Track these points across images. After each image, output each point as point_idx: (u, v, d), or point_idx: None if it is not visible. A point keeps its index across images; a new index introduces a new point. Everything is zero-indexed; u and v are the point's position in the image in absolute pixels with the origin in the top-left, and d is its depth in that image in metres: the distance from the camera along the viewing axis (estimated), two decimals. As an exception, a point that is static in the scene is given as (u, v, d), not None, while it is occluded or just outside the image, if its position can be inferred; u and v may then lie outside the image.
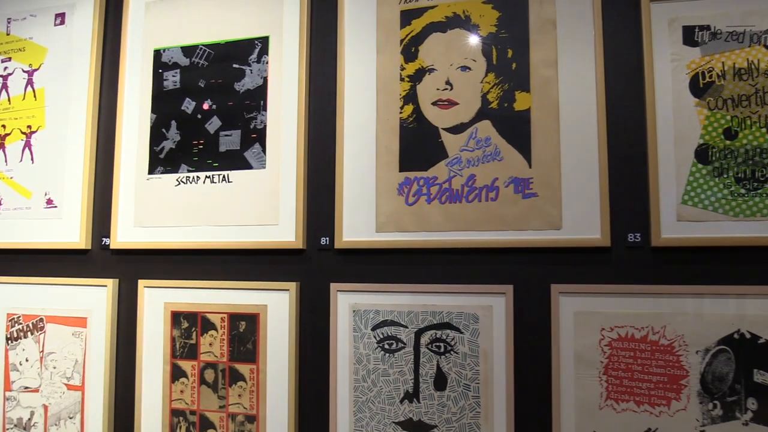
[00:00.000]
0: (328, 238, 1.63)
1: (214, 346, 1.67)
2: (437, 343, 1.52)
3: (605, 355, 1.42)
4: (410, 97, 1.60)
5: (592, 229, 1.45)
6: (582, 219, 1.46)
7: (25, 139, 1.93)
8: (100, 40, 1.89)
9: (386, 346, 1.56)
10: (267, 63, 1.71)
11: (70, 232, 1.84)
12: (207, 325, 1.68)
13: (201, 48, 1.77)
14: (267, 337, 1.63)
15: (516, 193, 1.51)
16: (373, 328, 1.57)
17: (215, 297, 1.69)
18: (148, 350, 1.73)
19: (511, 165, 1.52)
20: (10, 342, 1.88)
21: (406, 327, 1.55)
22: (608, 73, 1.48)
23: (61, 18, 1.94)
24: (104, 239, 1.82)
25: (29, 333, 1.86)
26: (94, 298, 1.80)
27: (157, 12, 1.83)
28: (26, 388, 1.85)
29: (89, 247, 1.83)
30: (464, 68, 1.57)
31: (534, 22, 1.54)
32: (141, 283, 1.75)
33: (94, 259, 1.84)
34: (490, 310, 1.50)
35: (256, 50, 1.72)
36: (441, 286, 1.53)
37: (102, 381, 1.76)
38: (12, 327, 1.88)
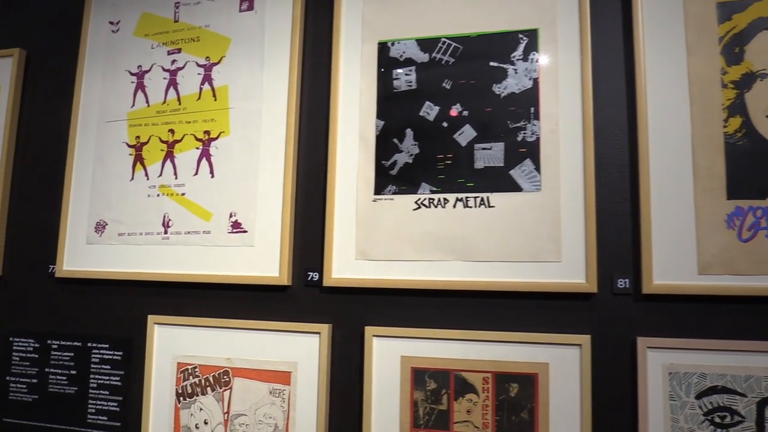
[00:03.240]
0: (627, 280, 1.30)
1: (473, 414, 1.32)
2: (788, 418, 1.20)
3: None
4: (737, 108, 1.29)
5: None
6: None
7: (201, 147, 1.57)
8: (301, 30, 1.55)
9: (717, 420, 1.23)
10: (537, 62, 1.39)
11: (266, 263, 1.48)
12: (463, 387, 1.33)
13: (444, 41, 1.45)
14: (549, 404, 1.29)
15: None
16: (698, 396, 1.24)
17: (474, 351, 1.34)
18: (378, 416, 1.37)
19: None
20: (182, 399, 1.50)
21: (744, 396, 1.22)
22: None
23: (248, 2, 1.60)
24: (310, 273, 1.47)
25: (209, 389, 1.48)
26: (300, 348, 1.43)
27: (383, -3, 1.50)
28: (205, 459, 1.47)
29: (290, 283, 1.47)
30: (807, 74, 1.27)
31: None
32: (368, 330, 1.39)
33: (297, 297, 1.48)
34: None
35: (521, 46, 1.40)
36: (791, 344, 1.21)
37: (313, 454, 1.40)
38: (185, 380, 1.50)
